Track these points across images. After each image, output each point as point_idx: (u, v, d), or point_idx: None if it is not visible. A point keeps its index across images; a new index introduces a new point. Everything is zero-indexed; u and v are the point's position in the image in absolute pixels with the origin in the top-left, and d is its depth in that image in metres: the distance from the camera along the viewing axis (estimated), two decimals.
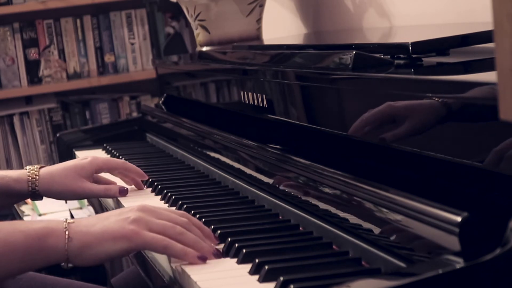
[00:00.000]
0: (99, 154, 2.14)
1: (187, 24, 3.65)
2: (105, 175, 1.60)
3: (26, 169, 1.51)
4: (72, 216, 2.51)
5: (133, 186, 1.62)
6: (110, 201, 1.63)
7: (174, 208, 1.41)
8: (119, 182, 1.61)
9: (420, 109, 0.99)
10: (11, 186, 1.49)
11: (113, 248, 1.10)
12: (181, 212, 1.22)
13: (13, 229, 1.11)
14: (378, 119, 1.08)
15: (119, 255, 1.13)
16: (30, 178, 1.48)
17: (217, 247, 1.14)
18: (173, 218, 1.15)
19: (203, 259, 1.09)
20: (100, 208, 1.72)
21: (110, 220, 1.12)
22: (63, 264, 1.12)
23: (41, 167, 1.51)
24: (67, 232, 1.10)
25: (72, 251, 1.10)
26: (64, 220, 1.12)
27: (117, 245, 1.10)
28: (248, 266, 1.04)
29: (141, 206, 1.16)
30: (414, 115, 1.00)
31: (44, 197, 1.52)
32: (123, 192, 1.53)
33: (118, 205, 1.53)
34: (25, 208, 2.70)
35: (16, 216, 2.83)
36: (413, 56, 1.14)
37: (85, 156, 1.55)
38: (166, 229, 1.12)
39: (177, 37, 3.68)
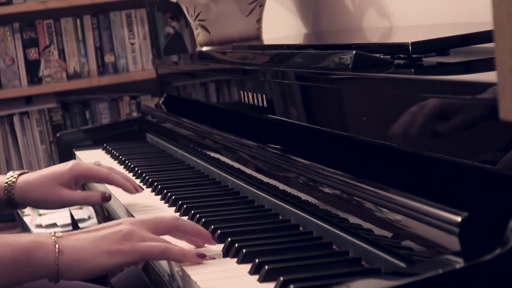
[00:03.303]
0: (99, 154, 2.14)
1: (187, 24, 3.65)
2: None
3: (8, 175, 1.44)
4: (72, 216, 2.50)
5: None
6: (111, 202, 1.62)
7: (174, 208, 1.42)
8: None
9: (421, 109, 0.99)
10: None
11: (108, 262, 1.08)
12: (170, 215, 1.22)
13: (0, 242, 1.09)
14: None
15: (113, 269, 1.12)
16: (7, 185, 1.42)
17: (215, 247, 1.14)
18: (160, 220, 1.15)
19: (202, 256, 1.09)
20: (100, 209, 1.71)
21: (103, 234, 1.10)
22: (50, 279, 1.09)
23: (21, 174, 1.45)
24: (57, 246, 1.08)
25: (62, 265, 1.08)
26: (52, 234, 1.10)
27: (112, 259, 1.08)
28: (248, 266, 1.04)
29: (128, 219, 1.16)
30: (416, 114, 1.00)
31: (22, 206, 1.47)
32: (106, 199, 1.47)
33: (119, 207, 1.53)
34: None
35: (16, 216, 2.84)
36: (413, 56, 1.14)
37: (67, 162, 1.47)
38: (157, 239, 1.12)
39: (177, 37, 3.68)
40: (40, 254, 1.08)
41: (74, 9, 3.65)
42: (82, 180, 1.50)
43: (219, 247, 1.15)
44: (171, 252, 1.10)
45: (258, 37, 2.19)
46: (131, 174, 1.78)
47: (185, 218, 1.33)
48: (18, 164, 3.59)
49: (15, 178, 1.44)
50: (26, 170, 1.47)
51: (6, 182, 1.43)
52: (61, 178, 1.43)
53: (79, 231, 1.14)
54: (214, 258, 1.11)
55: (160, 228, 1.14)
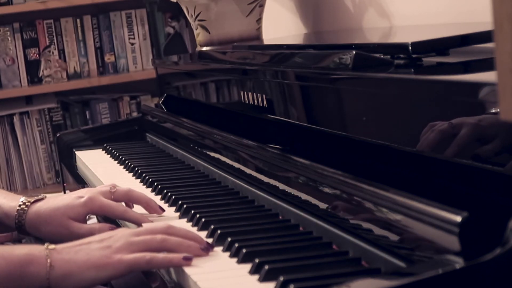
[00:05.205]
0: (99, 154, 2.14)
1: (187, 24, 3.65)
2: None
3: (20, 201, 1.41)
4: None
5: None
6: None
7: (174, 208, 1.42)
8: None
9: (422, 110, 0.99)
10: (2, 219, 1.43)
11: (96, 276, 1.10)
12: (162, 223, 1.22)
13: None
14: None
15: (102, 282, 1.13)
16: (17, 215, 1.40)
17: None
18: (150, 229, 1.16)
19: (188, 259, 1.09)
20: None
21: (93, 247, 1.12)
22: None
23: (35, 201, 1.40)
24: (48, 260, 1.10)
25: (53, 279, 1.10)
26: (46, 246, 1.12)
27: (101, 273, 1.10)
28: (248, 266, 1.04)
29: (121, 230, 1.16)
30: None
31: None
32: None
33: None
34: None
35: None
36: (413, 56, 1.14)
37: (82, 194, 1.40)
38: (148, 243, 1.12)
39: (177, 37, 3.68)
40: (33, 268, 1.10)
41: (74, 9, 3.65)
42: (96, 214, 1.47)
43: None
44: (156, 261, 1.10)
45: (258, 37, 2.19)
46: (131, 174, 1.78)
47: (184, 219, 1.33)
48: (18, 164, 3.59)
49: (26, 207, 1.40)
50: (40, 196, 1.43)
51: (17, 213, 1.40)
52: (72, 212, 1.39)
53: (72, 243, 1.15)
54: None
55: (150, 233, 1.15)
